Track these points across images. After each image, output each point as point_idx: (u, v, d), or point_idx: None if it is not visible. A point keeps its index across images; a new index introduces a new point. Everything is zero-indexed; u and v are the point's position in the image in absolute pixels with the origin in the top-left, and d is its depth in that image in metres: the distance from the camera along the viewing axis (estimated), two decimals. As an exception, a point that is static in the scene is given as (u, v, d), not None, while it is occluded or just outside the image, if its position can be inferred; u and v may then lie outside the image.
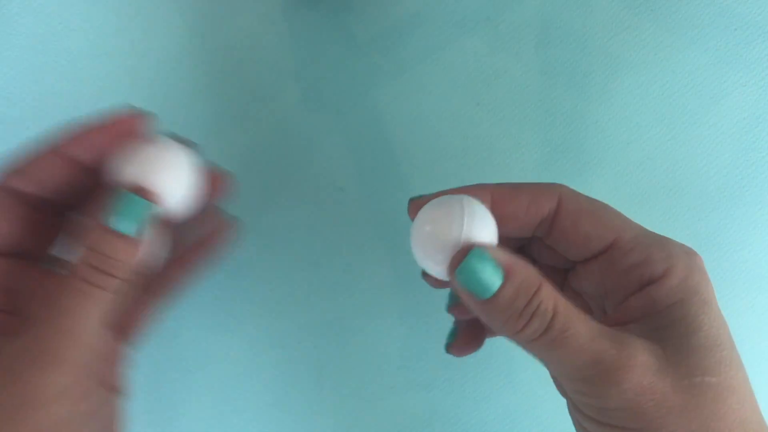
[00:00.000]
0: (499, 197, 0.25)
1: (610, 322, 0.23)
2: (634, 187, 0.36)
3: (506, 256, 0.22)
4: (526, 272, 0.22)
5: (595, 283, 0.25)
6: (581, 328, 0.21)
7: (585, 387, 0.22)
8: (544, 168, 0.36)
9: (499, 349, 0.36)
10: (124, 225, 0.23)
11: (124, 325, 0.28)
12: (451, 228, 0.22)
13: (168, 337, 0.37)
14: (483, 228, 0.23)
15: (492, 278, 0.22)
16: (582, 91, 0.36)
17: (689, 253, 0.24)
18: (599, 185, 0.36)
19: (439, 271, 0.24)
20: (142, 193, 0.23)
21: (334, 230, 0.36)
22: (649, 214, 0.36)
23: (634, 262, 0.24)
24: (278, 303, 0.36)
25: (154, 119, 0.26)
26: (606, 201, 0.37)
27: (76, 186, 0.25)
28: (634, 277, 0.23)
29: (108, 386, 0.26)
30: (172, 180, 0.25)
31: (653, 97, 0.36)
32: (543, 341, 0.22)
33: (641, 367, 0.21)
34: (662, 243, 0.24)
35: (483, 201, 0.24)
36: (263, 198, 0.37)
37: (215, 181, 0.28)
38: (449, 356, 0.30)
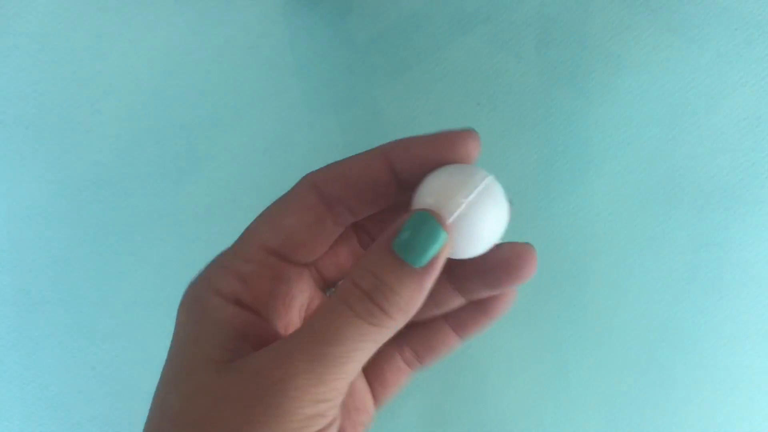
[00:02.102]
0: None
1: None
2: (634, 187, 0.36)
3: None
4: None
5: None
6: None
7: None
8: (544, 168, 0.36)
9: (500, 350, 0.36)
10: (417, 255, 0.20)
11: (377, 379, 0.25)
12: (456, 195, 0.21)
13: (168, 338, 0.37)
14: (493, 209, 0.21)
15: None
16: (582, 91, 0.36)
17: None
18: (599, 185, 0.36)
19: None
20: (440, 221, 0.20)
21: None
22: (650, 214, 0.36)
23: None
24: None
25: (478, 145, 0.23)
26: (606, 201, 0.37)
27: (381, 198, 0.23)
28: None
29: None
30: (480, 216, 0.21)
31: (653, 97, 0.36)
32: None
33: None
34: None
35: None
36: (263, 198, 0.37)
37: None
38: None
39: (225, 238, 0.38)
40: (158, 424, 0.20)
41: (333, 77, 0.36)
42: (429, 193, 0.21)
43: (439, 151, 0.22)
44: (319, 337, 0.19)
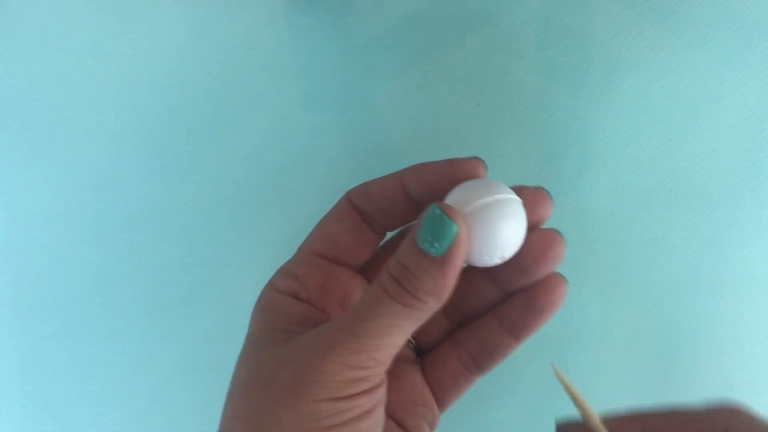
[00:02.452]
0: (651, 427, 0.24)
1: None
2: (634, 187, 0.36)
3: None
4: None
5: None
6: None
7: None
8: (544, 168, 0.36)
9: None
10: (433, 244, 0.22)
11: (439, 382, 0.28)
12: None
13: (167, 338, 0.37)
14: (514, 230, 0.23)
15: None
16: (582, 91, 0.36)
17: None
18: (599, 185, 0.36)
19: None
20: (449, 213, 0.22)
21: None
22: (649, 214, 0.36)
23: None
24: (278, 303, 0.36)
25: (484, 173, 0.26)
26: (606, 201, 0.37)
27: (400, 214, 0.27)
28: None
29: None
30: (493, 216, 0.23)
31: (653, 97, 0.36)
32: None
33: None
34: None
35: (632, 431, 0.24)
36: (263, 198, 0.37)
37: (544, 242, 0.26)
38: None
39: (225, 238, 0.38)
40: (231, 394, 0.24)
41: (333, 77, 0.36)
42: (455, 195, 0.24)
43: (447, 176, 0.25)
44: (359, 314, 0.23)
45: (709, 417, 0.24)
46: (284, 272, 0.27)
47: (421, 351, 0.29)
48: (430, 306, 0.23)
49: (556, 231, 0.26)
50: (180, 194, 0.36)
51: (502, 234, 0.23)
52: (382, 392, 0.23)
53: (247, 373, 0.24)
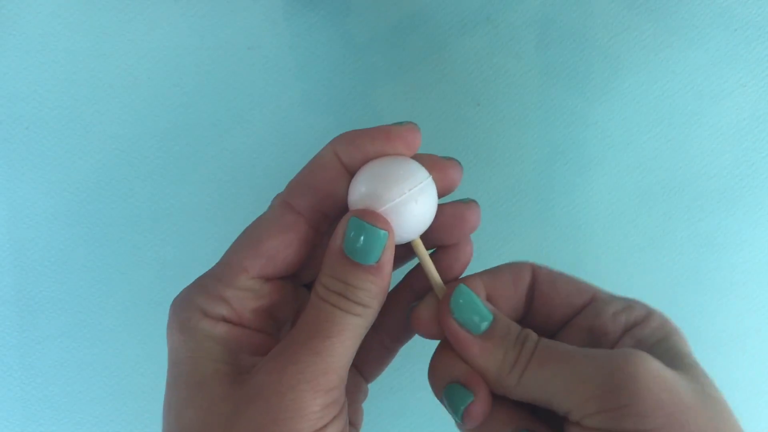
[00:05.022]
0: (489, 282, 0.25)
1: None
2: (634, 187, 0.36)
3: (488, 302, 0.24)
4: (507, 321, 0.24)
5: (581, 341, 0.25)
6: (571, 345, 0.23)
7: (600, 400, 0.21)
8: (544, 168, 0.36)
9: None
10: (362, 254, 0.22)
11: (364, 362, 0.27)
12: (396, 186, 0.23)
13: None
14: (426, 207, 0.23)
15: (484, 311, 0.24)
16: (582, 91, 0.36)
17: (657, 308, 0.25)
18: (599, 185, 0.36)
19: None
20: (375, 221, 0.22)
21: (334, 230, 0.36)
22: (649, 214, 0.36)
23: (617, 309, 0.25)
24: (278, 303, 0.36)
25: (418, 138, 0.25)
26: (606, 201, 0.37)
27: (343, 193, 0.25)
28: (620, 321, 0.24)
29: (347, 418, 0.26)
30: (410, 209, 0.23)
31: (653, 97, 0.36)
32: (542, 357, 0.23)
33: (656, 363, 0.22)
34: (635, 299, 0.25)
35: (478, 292, 0.25)
36: (263, 199, 0.37)
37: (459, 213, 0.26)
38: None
39: (225, 238, 0.38)
40: None
41: (333, 77, 0.36)
42: (365, 182, 0.23)
43: (381, 143, 0.24)
44: (314, 332, 0.22)
45: (518, 263, 0.26)
46: (210, 292, 0.24)
47: None
48: (377, 307, 0.23)
49: (468, 204, 0.25)
50: (180, 194, 0.36)
51: (418, 219, 0.23)
52: (346, 407, 0.23)
53: (199, 413, 0.22)
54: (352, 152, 0.24)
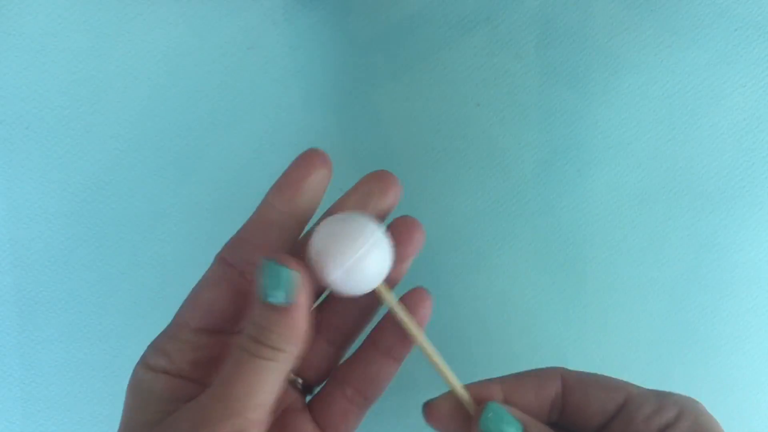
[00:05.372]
0: (508, 389, 0.26)
1: None
2: (634, 187, 0.36)
3: (518, 411, 0.25)
4: (540, 425, 0.24)
5: None
6: None
7: None
8: (544, 168, 0.36)
9: (501, 351, 0.36)
10: (273, 295, 0.23)
11: (326, 418, 0.27)
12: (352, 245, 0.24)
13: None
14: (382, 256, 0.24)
15: (513, 422, 0.24)
16: (582, 91, 0.36)
17: (693, 399, 0.26)
18: (599, 185, 0.36)
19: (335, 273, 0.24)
20: (282, 261, 0.23)
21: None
22: (649, 214, 0.36)
23: (649, 412, 0.25)
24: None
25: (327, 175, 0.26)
26: (606, 201, 0.37)
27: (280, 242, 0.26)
28: (653, 426, 0.25)
29: None
30: (365, 265, 0.24)
31: (653, 97, 0.36)
32: None
33: None
34: (668, 393, 0.26)
35: (495, 396, 0.25)
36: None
37: (406, 242, 0.26)
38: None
39: (224, 239, 0.38)
40: None
41: (333, 77, 0.36)
42: (321, 242, 0.24)
43: (305, 185, 0.25)
44: (226, 379, 0.22)
45: (547, 370, 0.26)
46: (155, 347, 0.25)
47: (310, 386, 0.28)
48: (292, 352, 0.23)
49: (415, 220, 0.26)
50: (180, 194, 0.36)
51: (372, 273, 0.24)
52: None
53: None
54: (281, 199, 0.25)
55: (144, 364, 0.25)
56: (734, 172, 0.36)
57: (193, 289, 0.26)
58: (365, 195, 0.26)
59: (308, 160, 0.25)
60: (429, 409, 0.26)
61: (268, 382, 0.23)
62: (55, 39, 0.36)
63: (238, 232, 0.26)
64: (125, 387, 0.38)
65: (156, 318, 0.36)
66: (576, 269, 0.37)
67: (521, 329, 0.36)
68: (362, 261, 0.24)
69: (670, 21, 0.36)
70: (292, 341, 0.23)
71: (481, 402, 0.25)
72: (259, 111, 0.36)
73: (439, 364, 0.25)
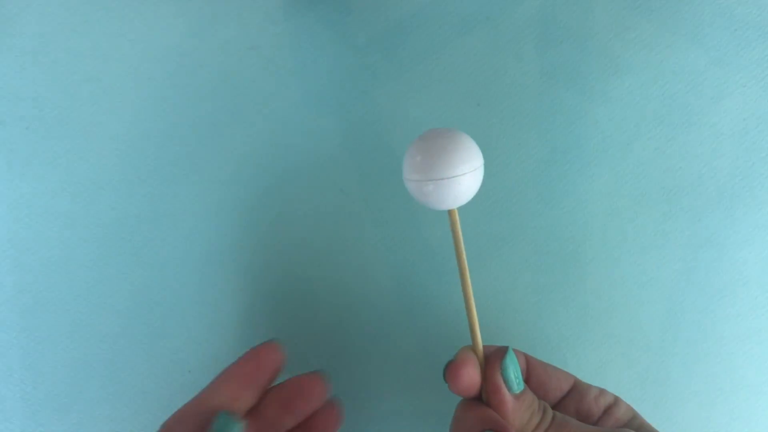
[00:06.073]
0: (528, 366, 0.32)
1: None
2: (634, 187, 0.36)
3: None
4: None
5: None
6: (575, 421, 0.29)
7: None
8: (544, 168, 0.36)
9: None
10: None
11: None
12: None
13: (167, 338, 0.37)
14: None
15: (521, 376, 0.29)
16: (582, 91, 0.36)
17: None
18: (599, 185, 0.36)
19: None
20: (232, 416, 0.27)
21: (335, 231, 0.36)
22: (649, 214, 0.36)
23: (596, 393, 0.31)
24: (278, 303, 0.36)
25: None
26: (606, 201, 0.37)
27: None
28: (600, 404, 0.31)
29: None
30: (463, 185, 0.27)
31: (653, 97, 0.36)
32: (558, 427, 0.28)
33: None
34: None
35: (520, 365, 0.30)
36: (263, 199, 0.37)
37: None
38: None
39: (224, 239, 0.38)
40: None
41: (333, 77, 0.36)
42: (430, 149, 0.27)
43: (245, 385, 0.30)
44: None
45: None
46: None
47: None
48: None
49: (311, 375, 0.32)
50: (180, 194, 0.36)
51: (461, 195, 0.27)
52: None
53: None
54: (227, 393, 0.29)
55: None
56: (734, 172, 0.36)
57: None
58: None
59: (261, 355, 0.30)
60: (454, 368, 0.29)
61: None
62: (55, 39, 0.36)
63: (180, 410, 0.29)
64: (125, 387, 0.38)
65: (156, 318, 0.36)
66: (576, 269, 0.37)
67: (521, 329, 0.36)
68: (461, 181, 0.26)
69: (670, 21, 0.36)
70: None
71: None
72: (259, 111, 0.36)
73: (473, 312, 0.29)
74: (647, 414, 0.32)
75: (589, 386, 0.31)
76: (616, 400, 0.31)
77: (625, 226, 0.36)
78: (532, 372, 0.31)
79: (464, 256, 0.28)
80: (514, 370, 0.29)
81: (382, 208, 0.36)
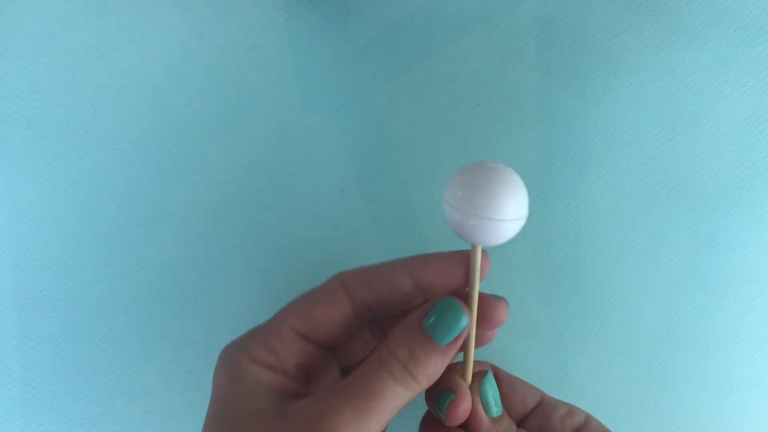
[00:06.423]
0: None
1: None
2: (634, 187, 0.36)
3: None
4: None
5: None
6: None
7: None
8: (544, 168, 0.36)
9: (500, 351, 0.36)
10: (445, 336, 0.25)
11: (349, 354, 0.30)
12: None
13: (167, 338, 0.37)
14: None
15: (499, 401, 0.28)
16: (582, 91, 0.36)
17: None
18: (599, 185, 0.36)
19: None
20: (465, 309, 0.25)
21: (335, 232, 0.36)
22: (649, 214, 0.36)
23: (563, 413, 0.30)
24: (278, 303, 0.36)
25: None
26: (606, 201, 0.37)
27: (399, 303, 0.28)
28: (567, 425, 0.29)
29: None
30: (502, 231, 0.26)
31: (653, 97, 0.36)
32: None
33: None
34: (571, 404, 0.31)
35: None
36: (263, 199, 0.37)
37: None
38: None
39: (224, 239, 0.38)
40: None
41: (333, 77, 0.36)
42: (479, 185, 0.26)
43: (454, 269, 0.27)
44: (363, 392, 0.24)
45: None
46: (261, 342, 0.27)
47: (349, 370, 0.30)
48: (424, 387, 0.25)
49: (498, 300, 0.28)
50: (180, 194, 0.36)
51: (499, 238, 0.26)
52: None
53: None
54: (424, 272, 0.27)
55: (249, 356, 0.26)
56: (734, 172, 0.36)
57: (302, 299, 0.28)
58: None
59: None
60: (454, 408, 0.27)
61: (396, 407, 0.24)
62: (55, 39, 0.36)
63: (371, 272, 0.27)
64: (125, 387, 0.38)
65: (156, 318, 0.36)
66: (576, 269, 0.37)
67: (521, 329, 0.36)
68: (506, 227, 0.25)
69: (670, 21, 0.36)
70: (432, 379, 0.25)
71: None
72: (259, 111, 0.36)
73: (472, 344, 0.27)
74: (647, 414, 0.32)
75: (557, 403, 0.30)
76: (587, 420, 0.30)
77: (626, 226, 0.36)
78: (499, 386, 0.30)
79: (477, 289, 0.27)
80: (493, 394, 0.28)
81: (382, 208, 0.36)
